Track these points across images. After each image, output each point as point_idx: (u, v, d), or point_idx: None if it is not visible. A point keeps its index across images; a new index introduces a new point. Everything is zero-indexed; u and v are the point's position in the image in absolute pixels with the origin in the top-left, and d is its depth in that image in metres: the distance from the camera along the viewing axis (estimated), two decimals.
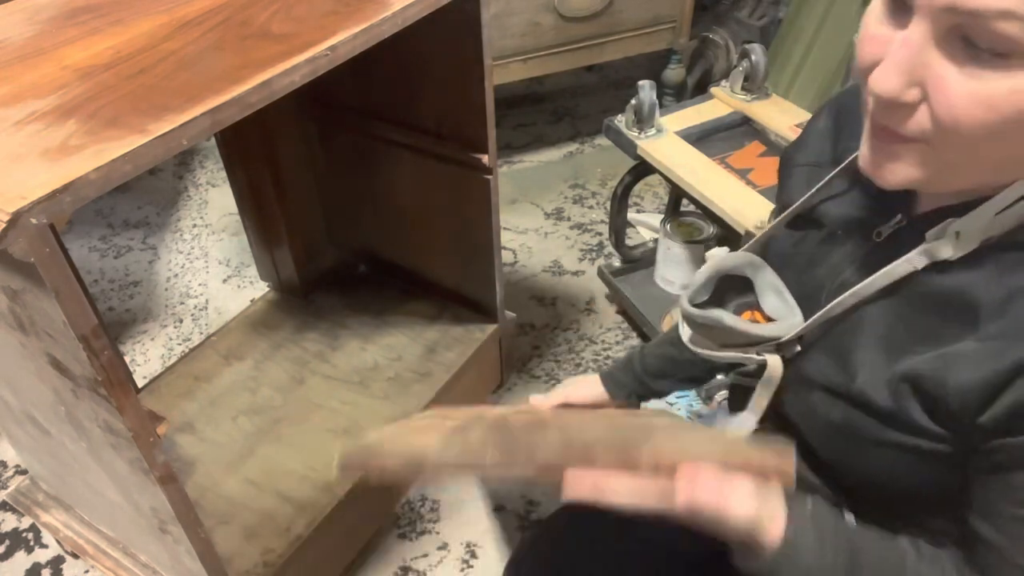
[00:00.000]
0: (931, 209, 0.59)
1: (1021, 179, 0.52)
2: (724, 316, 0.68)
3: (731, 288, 0.73)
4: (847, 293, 0.61)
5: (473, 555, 1.40)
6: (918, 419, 0.57)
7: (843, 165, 0.67)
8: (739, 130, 1.74)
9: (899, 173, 0.54)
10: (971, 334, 0.54)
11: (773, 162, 1.64)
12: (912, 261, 0.57)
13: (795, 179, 0.74)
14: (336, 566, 1.33)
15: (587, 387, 0.94)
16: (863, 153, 0.56)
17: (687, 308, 0.70)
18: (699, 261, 1.83)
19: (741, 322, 0.68)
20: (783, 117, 1.71)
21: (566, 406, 0.90)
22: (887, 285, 0.59)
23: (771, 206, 1.52)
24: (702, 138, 1.68)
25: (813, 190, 0.69)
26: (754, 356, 0.68)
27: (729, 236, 1.64)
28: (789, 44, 1.93)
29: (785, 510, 0.59)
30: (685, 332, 0.75)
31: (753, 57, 1.69)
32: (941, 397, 0.55)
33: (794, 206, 0.71)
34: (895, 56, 0.50)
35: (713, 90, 1.83)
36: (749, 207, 1.47)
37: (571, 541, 0.84)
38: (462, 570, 1.38)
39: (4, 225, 0.58)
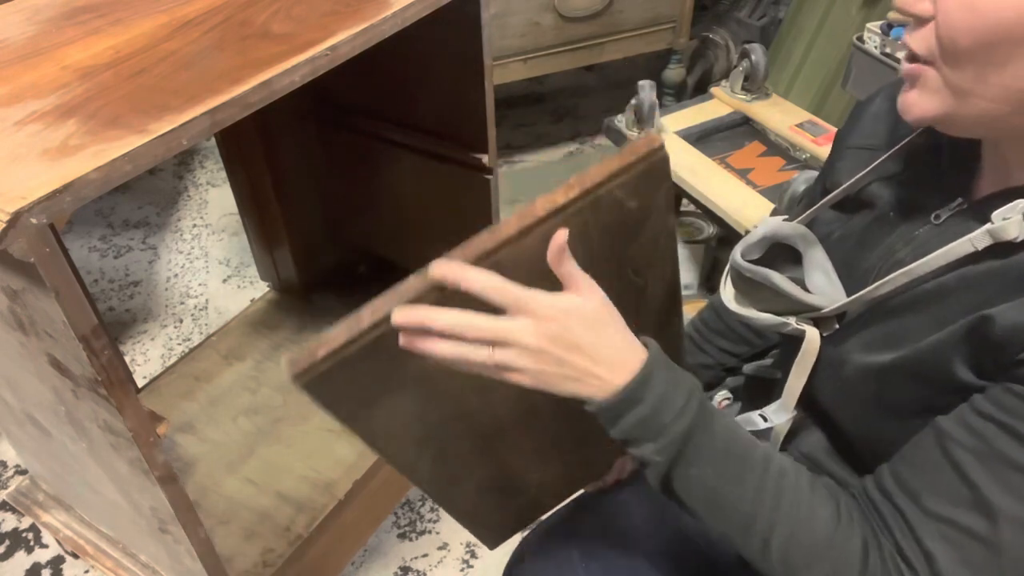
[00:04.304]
0: (993, 192, 0.58)
1: None
2: (772, 274, 0.67)
3: (780, 257, 0.72)
4: (898, 272, 0.60)
5: (473, 555, 1.40)
6: (961, 376, 0.55)
7: (899, 146, 0.67)
8: (739, 130, 1.74)
9: (922, 104, 0.55)
10: None
11: (773, 162, 1.64)
12: (973, 241, 0.55)
13: (846, 161, 0.73)
14: (336, 566, 1.33)
15: None
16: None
17: (738, 260, 0.70)
18: (699, 261, 1.83)
19: (787, 283, 0.67)
20: (783, 117, 1.71)
21: None
22: (943, 265, 0.58)
23: (771, 206, 1.53)
24: (702, 138, 1.68)
25: (864, 171, 0.68)
26: (792, 323, 0.67)
27: (729, 236, 1.64)
28: (789, 44, 1.93)
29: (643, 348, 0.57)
30: (728, 291, 0.74)
31: (753, 57, 1.69)
32: (1004, 334, 0.51)
33: (843, 187, 0.70)
34: None
35: (713, 90, 1.83)
36: (749, 207, 1.47)
37: (571, 542, 0.84)
38: (462, 570, 1.38)
39: (4, 225, 0.58)
